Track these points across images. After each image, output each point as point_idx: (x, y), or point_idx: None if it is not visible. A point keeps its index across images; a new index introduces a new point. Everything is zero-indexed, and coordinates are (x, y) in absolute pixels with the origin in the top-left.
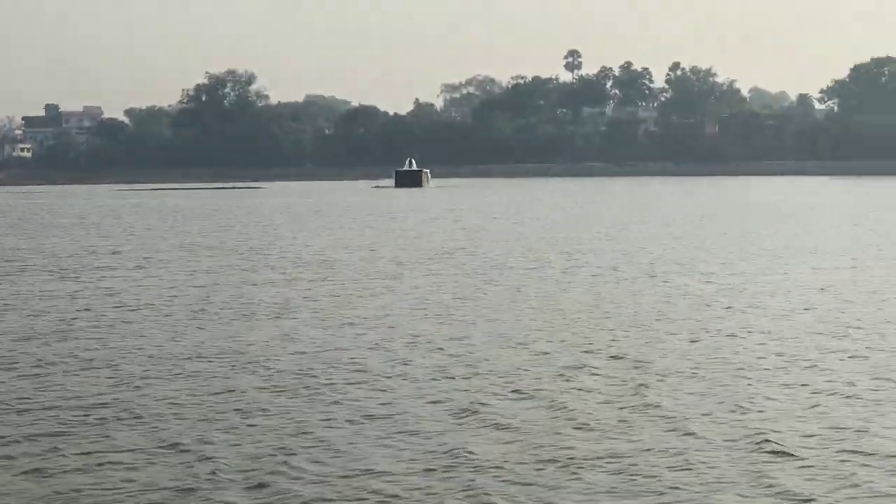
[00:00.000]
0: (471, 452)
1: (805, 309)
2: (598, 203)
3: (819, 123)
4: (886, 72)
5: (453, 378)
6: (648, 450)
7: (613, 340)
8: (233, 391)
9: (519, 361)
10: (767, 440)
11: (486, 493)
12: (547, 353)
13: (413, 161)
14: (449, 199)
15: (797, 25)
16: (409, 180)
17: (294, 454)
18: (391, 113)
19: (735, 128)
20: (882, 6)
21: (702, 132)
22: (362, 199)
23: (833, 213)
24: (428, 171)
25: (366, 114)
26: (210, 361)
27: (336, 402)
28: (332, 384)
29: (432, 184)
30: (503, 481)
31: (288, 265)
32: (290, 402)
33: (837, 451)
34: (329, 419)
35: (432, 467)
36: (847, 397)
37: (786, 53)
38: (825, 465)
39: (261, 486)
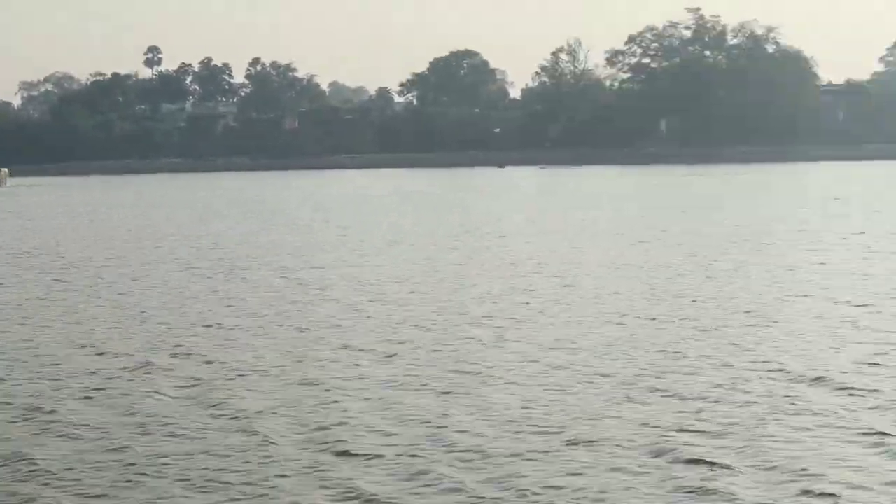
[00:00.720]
0: (30, 456)
1: (375, 301)
2: (173, 199)
3: (398, 116)
4: (465, 65)
5: (18, 380)
6: (212, 450)
7: (186, 338)
8: None
9: (87, 361)
10: (338, 437)
11: (39, 498)
12: (116, 353)
13: None
14: (26, 199)
15: (375, 20)
16: None
17: None
18: None
19: (314, 122)
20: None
21: (281, 127)
22: None
23: (410, 205)
24: (6, 170)
25: None
26: None
27: None
28: None
29: (10, 183)
30: (60, 485)
31: None
32: None
33: (410, 446)
34: None
35: None
36: (420, 391)
37: (365, 48)
38: (396, 460)
39: None
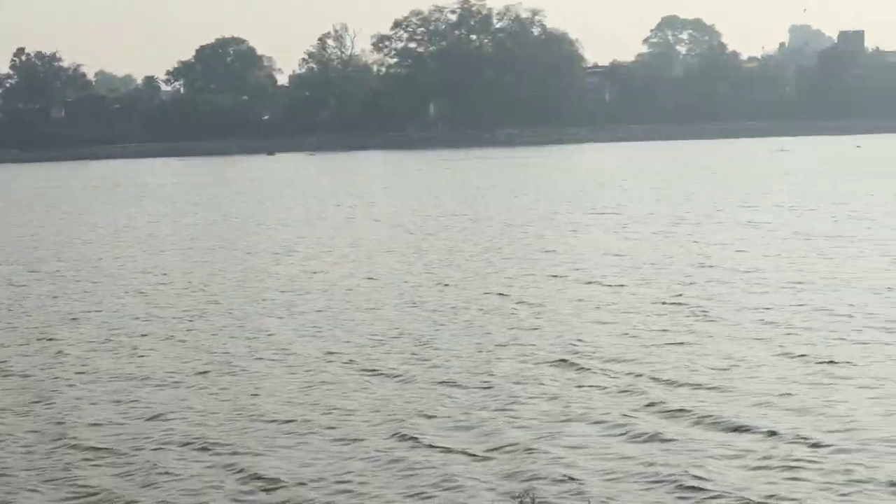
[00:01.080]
0: None
1: (127, 294)
2: None
3: (166, 105)
4: (232, 52)
5: None
6: None
7: None
8: None
9: None
10: (72, 432)
11: None
12: None
13: None
14: None
15: (141, 8)
16: None
17: None
18: None
19: (82, 112)
20: None
21: (49, 117)
22: None
23: (175, 195)
24: None
25: None
26: None
27: None
28: None
29: None
30: None
31: None
32: None
33: (145, 439)
34: None
35: None
36: (161, 385)
37: (131, 36)
38: (130, 453)
39: None
